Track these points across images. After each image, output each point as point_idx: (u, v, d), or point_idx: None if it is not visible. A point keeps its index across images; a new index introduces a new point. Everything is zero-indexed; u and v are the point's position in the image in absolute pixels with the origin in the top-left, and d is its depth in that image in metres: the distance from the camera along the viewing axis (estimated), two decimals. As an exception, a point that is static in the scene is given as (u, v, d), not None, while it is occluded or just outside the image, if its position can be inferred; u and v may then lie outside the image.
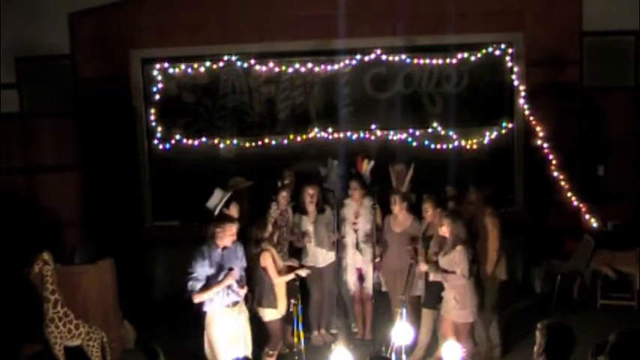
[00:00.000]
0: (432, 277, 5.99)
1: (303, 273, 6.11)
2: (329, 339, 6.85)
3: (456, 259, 5.70)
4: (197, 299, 5.33)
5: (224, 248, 5.45)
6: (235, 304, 5.49)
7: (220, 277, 5.37)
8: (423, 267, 6.02)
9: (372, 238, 6.55)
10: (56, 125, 8.44)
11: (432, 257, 6.05)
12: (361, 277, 6.81)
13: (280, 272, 5.94)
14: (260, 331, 5.95)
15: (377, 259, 6.52)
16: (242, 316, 5.58)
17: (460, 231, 5.73)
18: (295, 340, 5.98)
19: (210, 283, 5.35)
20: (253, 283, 5.92)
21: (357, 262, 6.77)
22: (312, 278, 6.76)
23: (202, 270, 5.33)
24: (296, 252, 6.86)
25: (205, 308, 5.44)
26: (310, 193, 6.75)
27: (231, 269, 5.36)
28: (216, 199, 6.29)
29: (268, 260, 5.84)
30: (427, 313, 6.23)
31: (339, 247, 6.81)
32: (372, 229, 6.52)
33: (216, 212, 6.23)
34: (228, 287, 5.42)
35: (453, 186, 6.81)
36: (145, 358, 4.73)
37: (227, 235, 5.41)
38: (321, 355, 6.09)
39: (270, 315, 5.89)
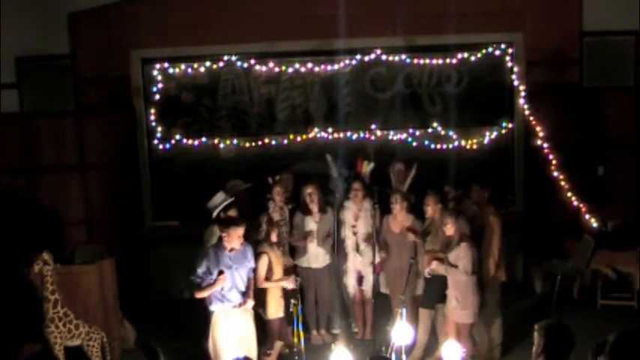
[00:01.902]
0: (430, 270, 5.98)
1: (289, 285, 6.04)
2: (329, 339, 6.84)
3: (460, 255, 5.71)
4: (196, 296, 5.50)
5: (232, 250, 5.48)
6: (241, 305, 5.53)
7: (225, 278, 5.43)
8: (435, 267, 5.98)
9: (371, 238, 6.56)
10: (56, 125, 8.44)
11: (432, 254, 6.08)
12: (360, 280, 6.81)
13: (275, 275, 5.95)
14: (262, 330, 5.97)
15: (377, 261, 6.53)
16: (247, 316, 5.60)
17: (464, 228, 5.76)
18: (295, 340, 5.98)
19: (205, 284, 5.43)
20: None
21: (357, 264, 6.77)
22: (306, 279, 6.76)
23: (201, 270, 5.43)
24: (292, 251, 6.87)
25: (211, 307, 5.50)
26: (309, 192, 6.74)
27: (221, 272, 5.38)
28: (217, 202, 6.30)
29: (262, 264, 5.84)
30: (424, 313, 6.23)
31: (339, 250, 6.80)
32: (373, 230, 6.53)
33: (214, 215, 6.25)
34: (235, 288, 5.48)
35: (451, 186, 6.81)
36: (145, 358, 4.74)
37: (234, 238, 5.45)
38: (321, 355, 6.08)
39: (270, 313, 5.91)
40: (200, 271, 5.43)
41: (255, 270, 5.74)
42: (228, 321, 5.48)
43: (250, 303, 5.59)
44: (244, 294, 5.55)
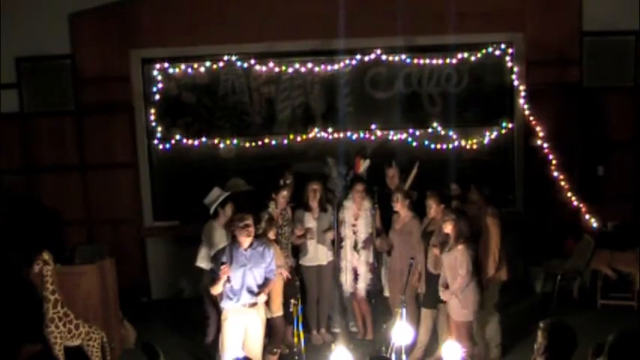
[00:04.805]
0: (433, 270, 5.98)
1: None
2: (329, 339, 6.85)
3: (458, 259, 5.70)
4: (211, 291, 5.53)
5: (248, 248, 5.47)
6: (253, 305, 5.48)
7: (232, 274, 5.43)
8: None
9: (370, 243, 6.57)
10: (56, 125, 8.44)
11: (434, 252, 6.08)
12: (356, 277, 6.81)
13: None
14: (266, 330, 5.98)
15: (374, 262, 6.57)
16: (257, 318, 5.55)
17: (463, 228, 5.74)
18: (295, 340, 5.99)
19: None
20: None
21: (354, 262, 6.78)
22: (309, 277, 6.77)
23: (215, 266, 5.45)
24: (294, 250, 6.86)
25: (222, 304, 5.50)
26: (314, 189, 6.77)
27: (223, 263, 5.34)
28: (213, 197, 6.37)
29: None
30: (426, 313, 6.23)
31: (338, 248, 6.81)
32: (373, 233, 6.55)
33: (212, 210, 6.32)
34: (245, 288, 5.46)
35: (457, 184, 6.80)
36: (145, 358, 4.74)
37: (247, 229, 5.43)
38: (321, 355, 6.09)
39: (275, 309, 5.92)
40: (214, 266, 5.45)
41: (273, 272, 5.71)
42: (237, 319, 5.46)
43: (262, 298, 5.52)
44: (257, 294, 5.49)
